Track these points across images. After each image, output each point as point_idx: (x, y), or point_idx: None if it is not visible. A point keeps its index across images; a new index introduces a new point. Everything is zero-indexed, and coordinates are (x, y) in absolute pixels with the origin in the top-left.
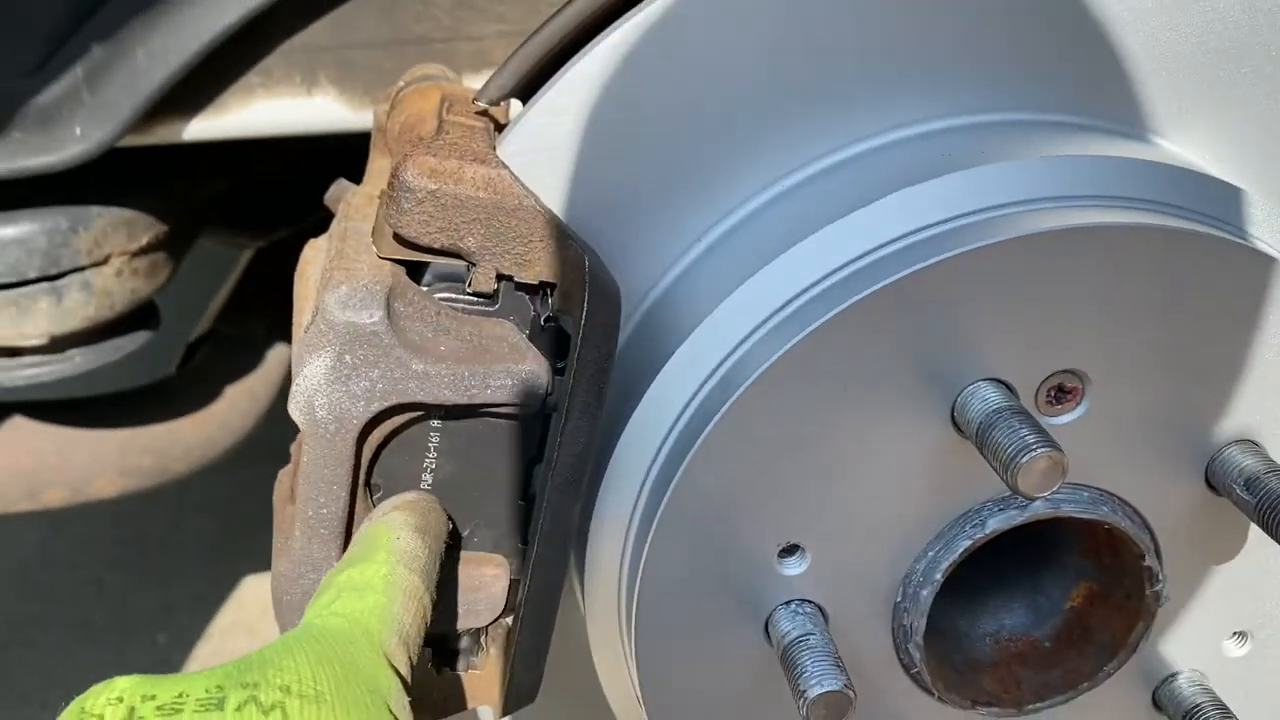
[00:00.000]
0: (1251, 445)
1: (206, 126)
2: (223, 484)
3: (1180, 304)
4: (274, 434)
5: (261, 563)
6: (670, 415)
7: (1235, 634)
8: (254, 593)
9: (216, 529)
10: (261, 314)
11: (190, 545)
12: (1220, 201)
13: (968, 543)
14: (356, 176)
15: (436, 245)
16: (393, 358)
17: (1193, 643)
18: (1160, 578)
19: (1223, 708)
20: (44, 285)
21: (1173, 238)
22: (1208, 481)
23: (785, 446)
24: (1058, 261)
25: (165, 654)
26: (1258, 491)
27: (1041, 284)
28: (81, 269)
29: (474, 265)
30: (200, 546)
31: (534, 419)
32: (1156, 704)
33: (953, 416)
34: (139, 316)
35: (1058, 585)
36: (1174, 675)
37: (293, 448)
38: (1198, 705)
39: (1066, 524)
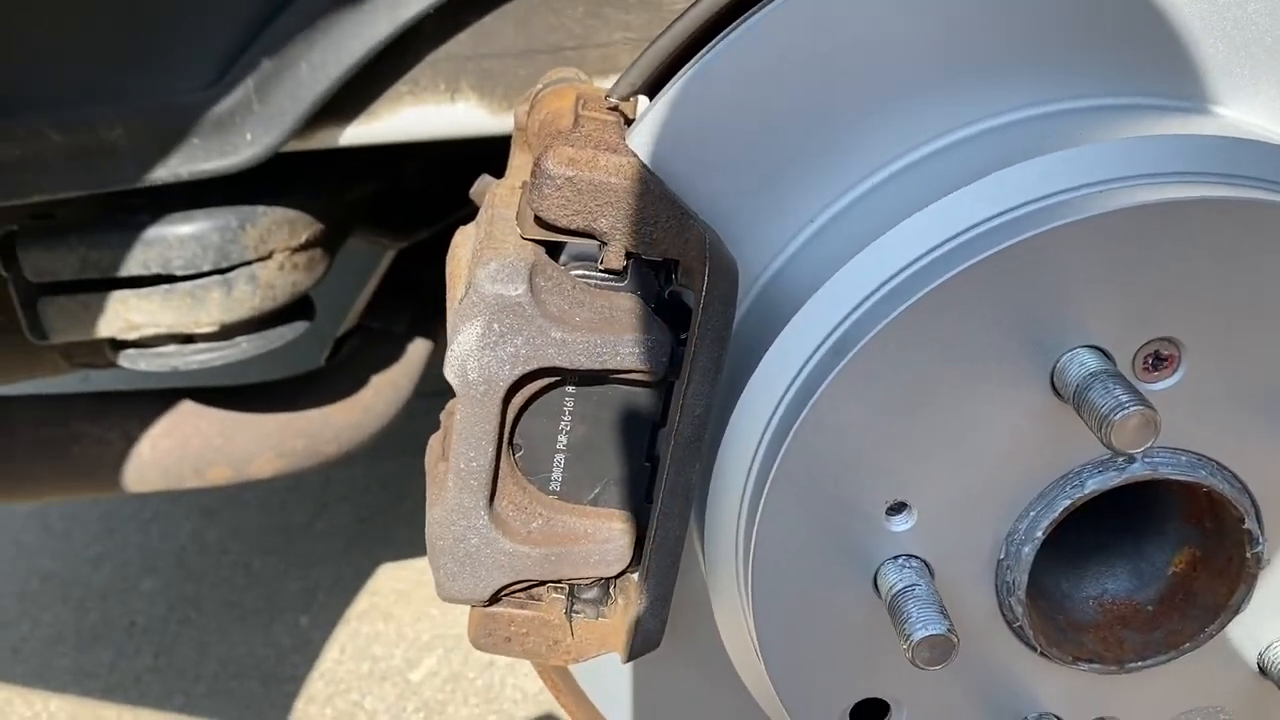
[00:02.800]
0: None
1: (360, 132)
2: (361, 478)
3: (1271, 272)
4: (409, 429)
5: (395, 551)
6: (785, 380)
7: None
8: (388, 580)
9: (355, 520)
10: (403, 310)
11: (331, 534)
12: None
13: (1067, 502)
14: (496, 176)
15: (573, 226)
16: (535, 326)
17: None
18: (1260, 540)
19: None
20: (216, 278)
21: (1258, 209)
22: None
23: (893, 409)
24: (1150, 235)
25: (306, 635)
26: None
27: (1135, 256)
28: (249, 263)
29: (605, 244)
30: (340, 535)
31: (659, 385)
32: (1261, 667)
33: (1052, 381)
34: (298, 308)
35: (1160, 551)
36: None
37: (442, 415)
38: None
39: (1167, 490)
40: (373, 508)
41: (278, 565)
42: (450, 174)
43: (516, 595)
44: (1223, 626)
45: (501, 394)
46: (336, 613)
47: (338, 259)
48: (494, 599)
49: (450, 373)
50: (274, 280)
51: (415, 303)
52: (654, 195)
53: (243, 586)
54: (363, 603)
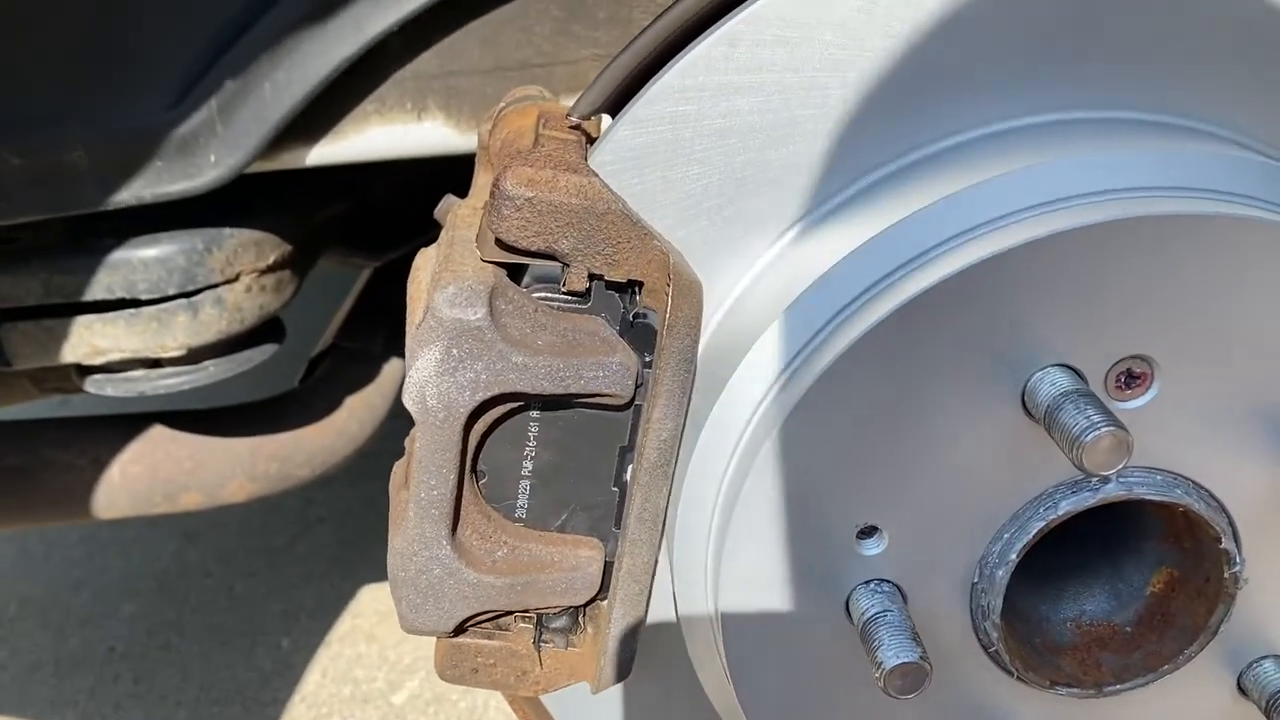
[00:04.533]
0: None
1: (327, 152)
2: (342, 499)
3: (1245, 289)
4: (390, 449)
5: (377, 573)
6: (752, 402)
7: None
8: (371, 601)
9: (337, 541)
10: (379, 329)
11: (313, 556)
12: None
13: (1041, 524)
14: (463, 196)
15: (534, 248)
16: (495, 351)
17: (1278, 627)
18: (1238, 560)
19: None
20: (182, 301)
21: (1230, 225)
22: None
23: (862, 430)
24: (1119, 251)
25: (288, 658)
26: None
27: (1105, 272)
28: (215, 286)
29: (568, 266)
30: (322, 557)
31: (626, 409)
32: (1241, 688)
33: (1023, 401)
34: (267, 330)
35: (1138, 571)
36: (1260, 659)
37: (407, 441)
38: None
39: (1145, 511)
40: (355, 529)
41: (259, 588)
42: (423, 192)
43: (483, 625)
44: (1202, 648)
45: (461, 421)
46: (318, 635)
47: (314, 277)
48: (460, 630)
49: (409, 399)
50: (241, 303)
51: (391, 322)
52: (615, 216)
53: (224, 609)
54: (345, 625)
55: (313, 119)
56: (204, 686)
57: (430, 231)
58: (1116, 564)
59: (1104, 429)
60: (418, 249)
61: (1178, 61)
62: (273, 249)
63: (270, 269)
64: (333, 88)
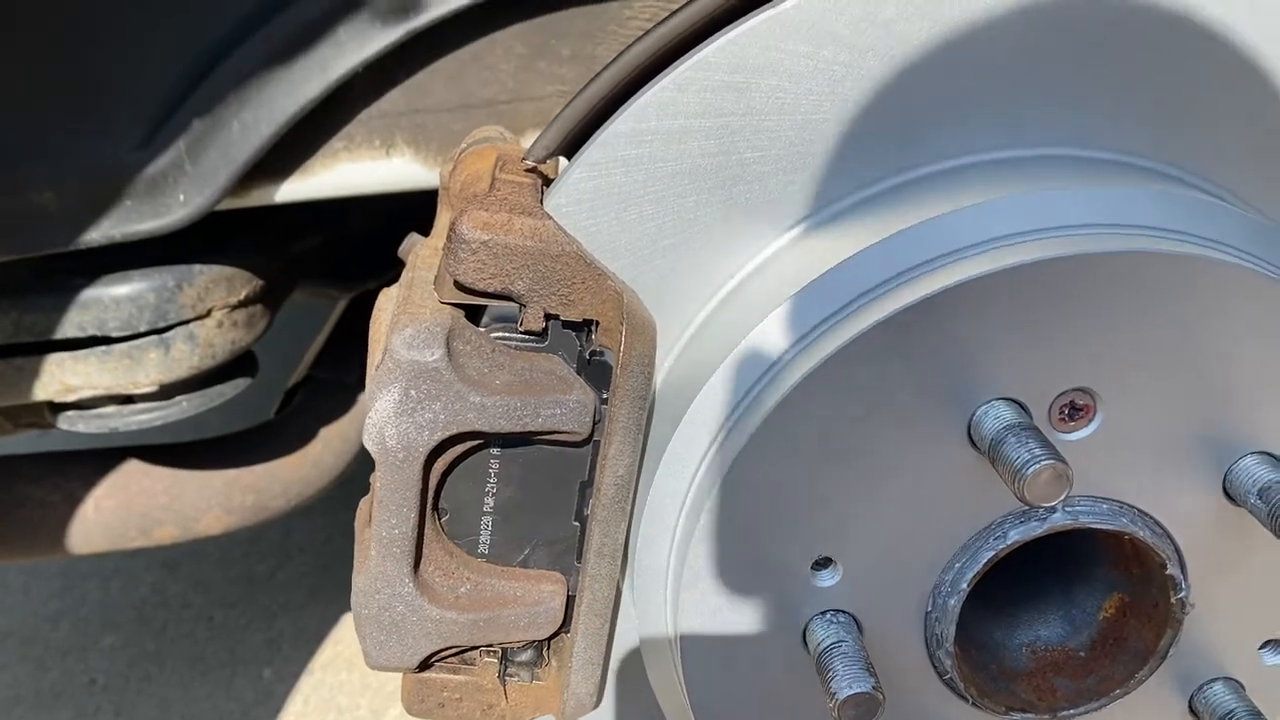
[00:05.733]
0: (1268, 456)
1: (296, 188)
2: (323, 528)
3: (1183, 322)
4: (370, 477)
5: None
6: (706, 438)
7: (1269, 642)
8: (353, 629)
9: (318, 568)
10: (353, 361)
11: (293, 584)
12: (1219, 223)
13: (991, 554)
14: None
15: (490, 290)
16: (453, 391)
17: (1227, 651)
18: (1183, 586)
19: (1256, 714)
20: (153, 338)
21: (1168, 262)
22: (1226, 492)
23: (814, 464)
24: (1059, 287)
25: (270, 687)
26: (1270, 500)
27: (1045, 308)
28: (186, 322)
29: (524, 306)
30: (303, 585)
31: (584, 445)
32: (1193, 710)
33: (969, 434)
34: (239, 364)
35: (1091, 597)
36: (1210, 682)
37: (371, 478)
38: (1231, 712)
39: (1094, 538)
40: (335, 557)
41: (240, 618)
42: (398, 223)
43: (449, 660)
44: (1153, 671)
45: (421, 460)
46: (300, 664)
47: (288, 309)
48: (425, 665)
49: (369, 440)
50: (213, 339)
51: (366, 353)
52: (569, 257)
53: (205, 640)
54: (327, 652)
55: (281, 157)
56: (185, 718)
57: (401, 264)
58: (1069, 590)
59: (1044, 462)
60: (391, 280)
61: (1126, 99)
62: (244, 284)
63: (242, 304)
64: (300, 126)
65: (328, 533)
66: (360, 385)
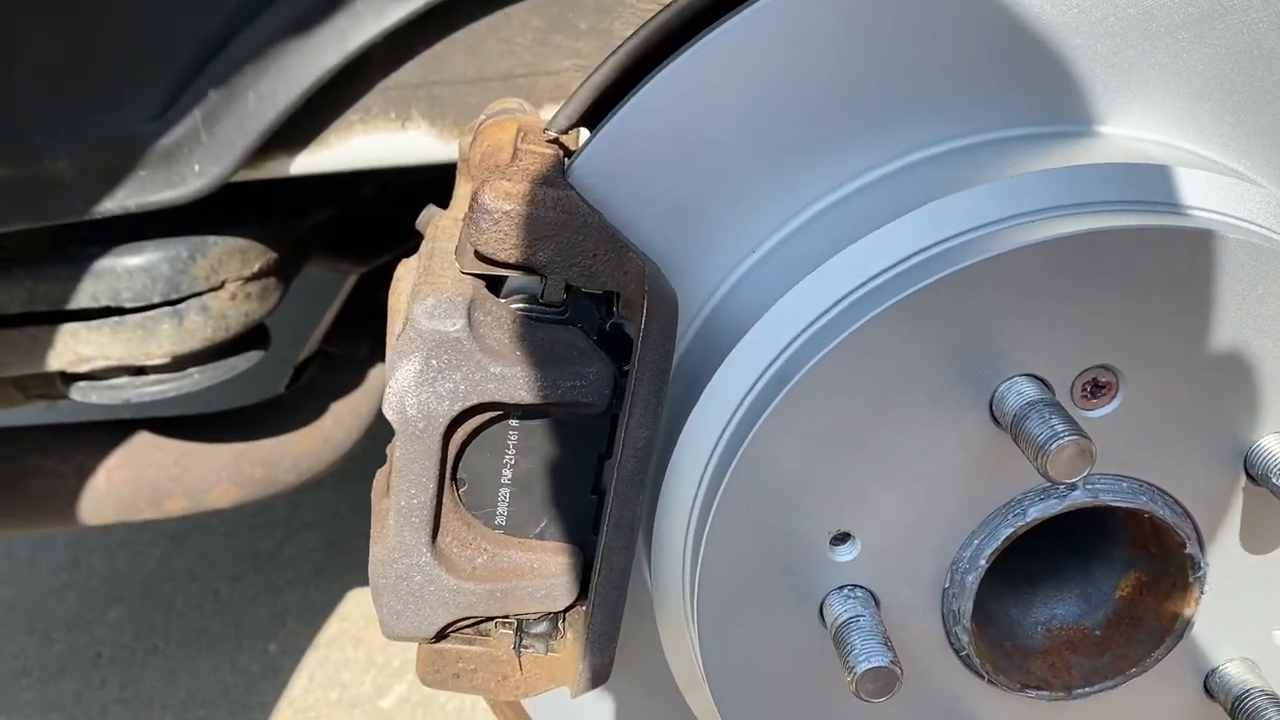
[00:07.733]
0: None
1: (311, 161)
2: (330, 503)
3: (1206, 299)
4: (378, 454)
5: (364, 576)
6: (726, 412)
7: None
8: (358, 605)
9: (324, 545)
10: (365, 335)
11: (300, 560)
12: (1243, 200)
13: (1010, 530)
14: (448, 203)
15: (512, 260)
16: (473, 362)
17: (1243, 631)
18: (1202, 565)
19: (1272, 694)
20: (167, 309)
21: (1193, 237)
22: (1247, 472)
23: (834, 439)
24: (1080, 264)
25: (275, 662)
26: None
27: (1067, 285)
28: (200, 294)
29: (545, 278)
30: (309, 561)
31: (602, 418)
32: (1208, 690)
33: (991, 410)
34: (252, 337)
35: (1107, 575)
36: (1225, 662)
37: (388, 449)
38: (1247, 691)
39: (1113, 516)
40: (342, 532)
41: (246, 592)
42: (410, 198)
43: (464, 631)
44: (1169, 650)
45: (441, 430)
46: (305, 639)
47: (301, 283)
48: (440, 635)
49: (389, 409)
50: (226, 310)
51: (377, 327)
52: (591, 228)
53: (210, 614)
54: (332, 628)
55: (297, 128)
56: (190, 691)
57: (418, 238)
58: (1087, 568)
59: (1067, 438)
60: (404, 254)
61: (1150, 76)
62: (258, 256)
63: (255, 276)
64: (317, 97)
65: (334, 508)
66: (370, 360)
